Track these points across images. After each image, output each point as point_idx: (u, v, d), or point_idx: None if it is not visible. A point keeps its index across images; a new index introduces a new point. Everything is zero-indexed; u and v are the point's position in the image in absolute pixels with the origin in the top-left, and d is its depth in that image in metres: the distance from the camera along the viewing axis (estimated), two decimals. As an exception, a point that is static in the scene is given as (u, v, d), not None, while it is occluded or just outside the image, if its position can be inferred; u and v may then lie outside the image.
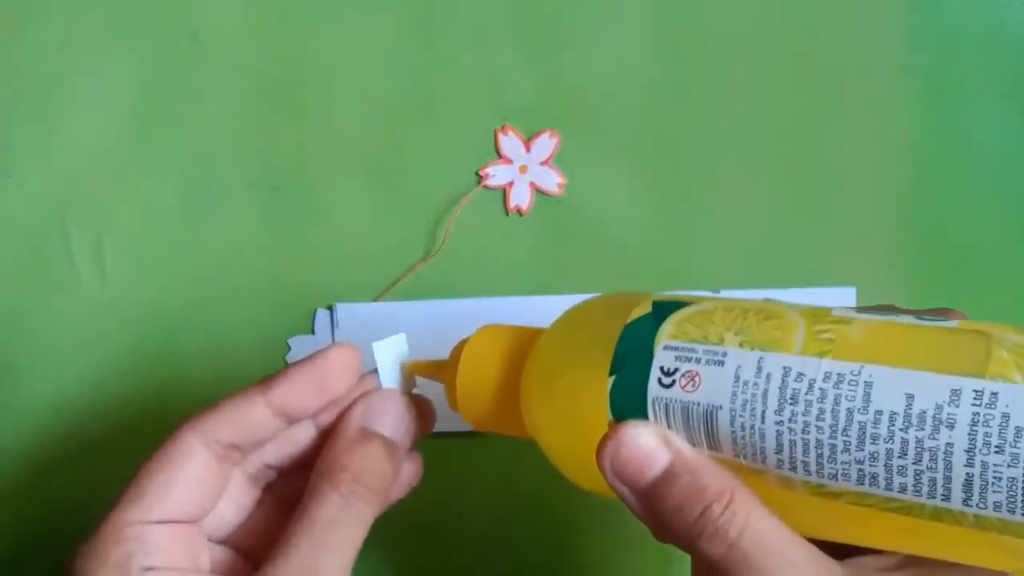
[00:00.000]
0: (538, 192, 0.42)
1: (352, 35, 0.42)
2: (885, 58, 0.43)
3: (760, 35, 0.43)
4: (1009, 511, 0.23)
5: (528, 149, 0.42)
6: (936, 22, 0.44)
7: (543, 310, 0.41)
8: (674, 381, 0.27)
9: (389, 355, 0.32)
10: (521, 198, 0.42)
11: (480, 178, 0.42)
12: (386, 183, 0.42)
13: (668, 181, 0.43)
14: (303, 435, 0.31)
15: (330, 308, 0.41)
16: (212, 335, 0.41)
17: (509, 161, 0.42)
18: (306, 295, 0.41)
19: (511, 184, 0.42)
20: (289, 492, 0.32)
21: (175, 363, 0.41)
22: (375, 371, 0.32)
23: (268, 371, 0.40)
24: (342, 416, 0.31)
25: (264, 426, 0.30)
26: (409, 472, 0.32)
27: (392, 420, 0.31)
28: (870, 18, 0.43)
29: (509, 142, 0.42)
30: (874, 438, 0.24)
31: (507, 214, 0.42)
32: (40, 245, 0.41)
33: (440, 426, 0.33)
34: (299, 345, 0.41)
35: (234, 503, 0.31)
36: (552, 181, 0.42)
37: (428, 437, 0.32)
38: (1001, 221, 0.43)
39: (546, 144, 0.42)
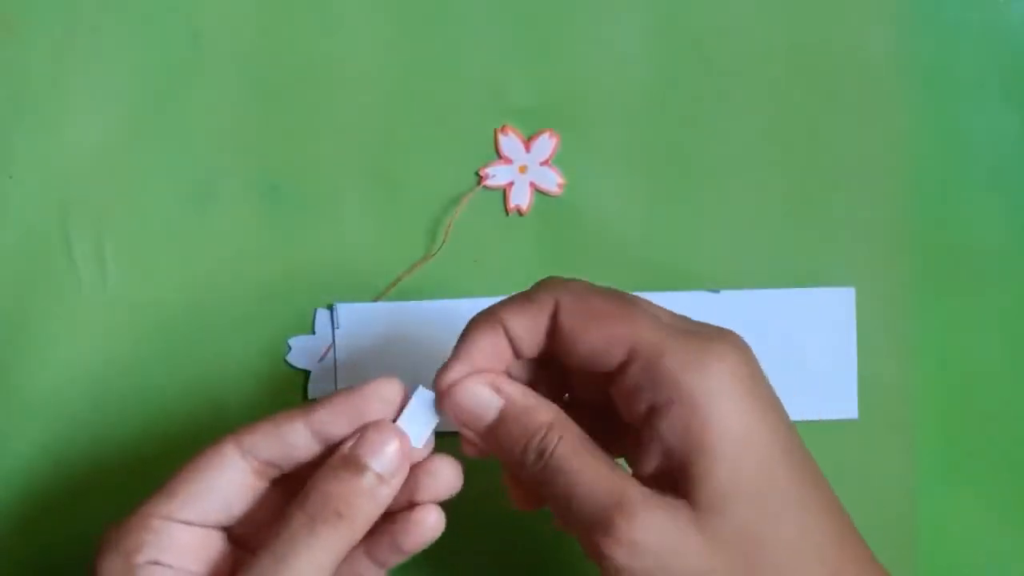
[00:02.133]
0: (538, 192, 0.42)
1: (352, 35, 0.42)
2: (885, 58, 0.43)
3: (760, 35, 0.43)
4: None
5: (528, 149, 0.42)
6: (936, 21, 0.44)
7: None
8: None
9: (426, 402, 0.32)
10: (521, 198, 0.42)
11: (480, 178, 0.42)
12: (386, 183, 0.42)
13: (668, 181, 0.42)
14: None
15: (330, 308, 0.41)
16: (212, 335, 0.41)
17: (509, 161, 0.42)
18: (306, 295, 0.41)
19: (511, 184, 0.42)
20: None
21: (175, 362, 0.41)
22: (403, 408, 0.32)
23: (268, 371, 0.41)
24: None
25: (302, 448, 0.31)
26: (431, 520, 0.32)
27: (385, 456, 0.31)
28: (870, 17, 0.43)
29: (509, 142, 0.42)
30: None
31: (507, 214, 0.42)
32: (40, 245, 0.41)
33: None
34: (299, 345, 0.41)
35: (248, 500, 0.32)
36: (552, 181, 0.42)
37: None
38: (1001, 221, 0.43)
39: (546, 144, 0.42)
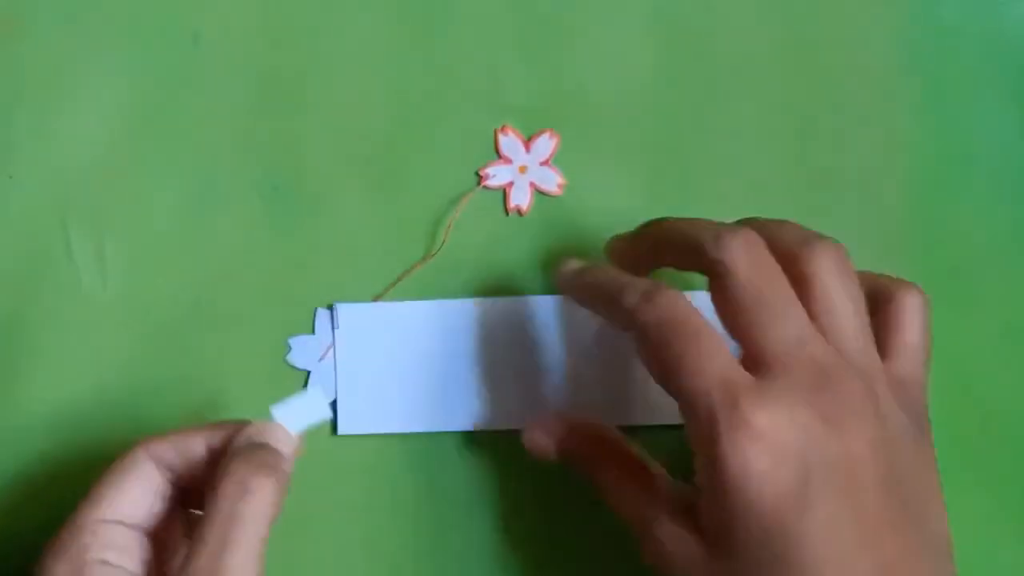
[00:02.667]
0: (538, 192, 0.42)
1: (352, 35, 0.42)
2: (885, 58, 0.43)
3: (760, 35, 0.43)
4: None
5: (528, 149, 0.42)
6: (936, 22, 0.44)
7: (543, 310, 0.41)
8: None
9: (301, 412, 0.36)
10: (521, 198, 0.42)
11: (480, 178, 0.42)
12: (386, 183, 0.42)
13: (668, 181, 0.43)
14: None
15: (330, 308, 0.41)
16: (212, 335, 0.41)
17: (509, 161, 0.42)
18: (306, 295, 0.41)
19: (511, 184, 0.42)
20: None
21: (174, 362, 0.41)
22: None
23: (269, 371, 0.41)
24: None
25: (198, 457, 0.34)
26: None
27: (280, 438, 0.35)
28: (870, 18, 0.43)
29: (509, 142, 0.42)
30: None
31: (507, 214, 0.42)
32: (40, 245, 0.41)
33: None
34: (299, 345, 0.41)
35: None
36: (552, 181, 0.42)
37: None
38: (1001, 221, 0.43)
39: (546, 144, 0.42)
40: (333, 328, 0.41)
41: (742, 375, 0.32)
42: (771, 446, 0.31)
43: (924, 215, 0.43)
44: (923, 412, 0.35)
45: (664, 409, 0.39)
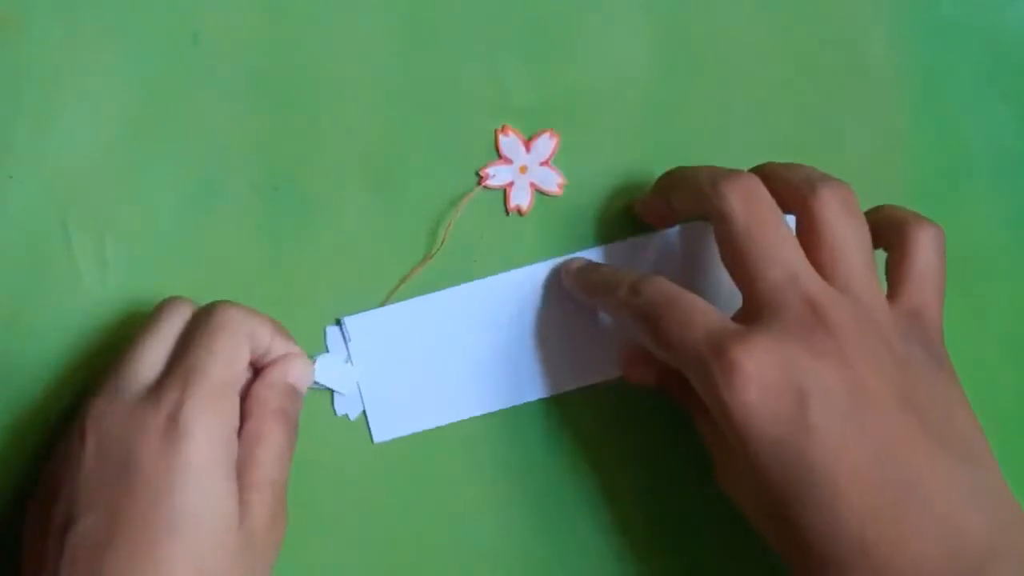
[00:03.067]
0: (538, 192, 0.42)
1: (353, 35, 0.42)
2: (885, 58, 0.43)
3: (759, 35, 0.43)
4: None
5: (528, 150, 0.42)
6: (935, 22, 0.44)
7: (548, 276, 0.41)
8: None
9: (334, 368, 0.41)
10: (522, 198, 0.42)
11: (480, 179, 0.42)
12: (387, 183, 0.42)
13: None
14: None
15: (338, 323, 0.41)
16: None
17: (509, 161, 0.42)
18: (307, 295, 0.41)
19: (511, 184, 0.42)
20: None
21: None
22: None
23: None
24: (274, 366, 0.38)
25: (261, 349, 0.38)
26: None
27: (306, 381, 0.39)
28: (870, 18, 0.43)
29: (509, 143, 0.42)
30: None
31: (507, 214, 0.42)
32: (41, 245, 0.41)
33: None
34: (318, 368, 0.41)
35: None
36: (552, 181, 0.42)
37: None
38: (1000, 221, 0.43)
39: (546, 144, 0.42)
40: (346, 342, 0.41)
41: (729, 326, 0.34)
42: (763, 382, 0.32)
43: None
44: (937, 340, 0.35)
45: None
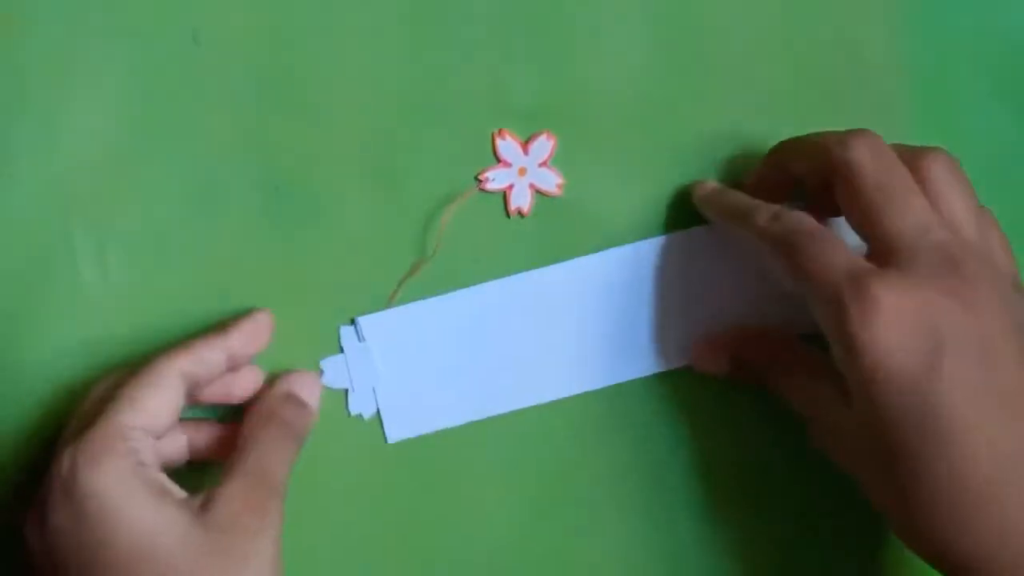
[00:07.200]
0: (538, 193, 0.42)
1: (353, 35, 0.42)
2: (885, 58, 0.43)
3: (759, 35, 0.43)
4: None
5: (526, 152, 0.42)
6: (934, 22, 0.44)
7: (561, 277, 0.42)
8: None
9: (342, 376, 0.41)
10: (522, 200, 0.42)
11: (479, 182, 0.42)
12: (387, 184, 0.42)
13: (667, 180, 0.43)
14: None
15: (352, 323, 0.41)
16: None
17: (508, 164, 0.42)
18: (307, 296, 0.41)
19: (511, 187, 0.42)
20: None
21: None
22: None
23: (270, 371, 0.41)
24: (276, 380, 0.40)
25: (216, 366, 0.38)
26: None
27: (315, 397, 0.40)
28: (869, 18, 0.43)
29: (507, 146, 0.42)
30: None
31: (508, 216, 0.42)
32: (41, 245, 0.41)
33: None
34: (332, 368, 0.41)
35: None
36: (551, 182, 0.42)
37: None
38: (1000, 221, 0.43)
39: (544, 146, 0.42)
40: (360, 341, 0.41)
41: (868, 266, 0.34)
42: (899, 319, 0.32)
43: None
44: None
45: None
